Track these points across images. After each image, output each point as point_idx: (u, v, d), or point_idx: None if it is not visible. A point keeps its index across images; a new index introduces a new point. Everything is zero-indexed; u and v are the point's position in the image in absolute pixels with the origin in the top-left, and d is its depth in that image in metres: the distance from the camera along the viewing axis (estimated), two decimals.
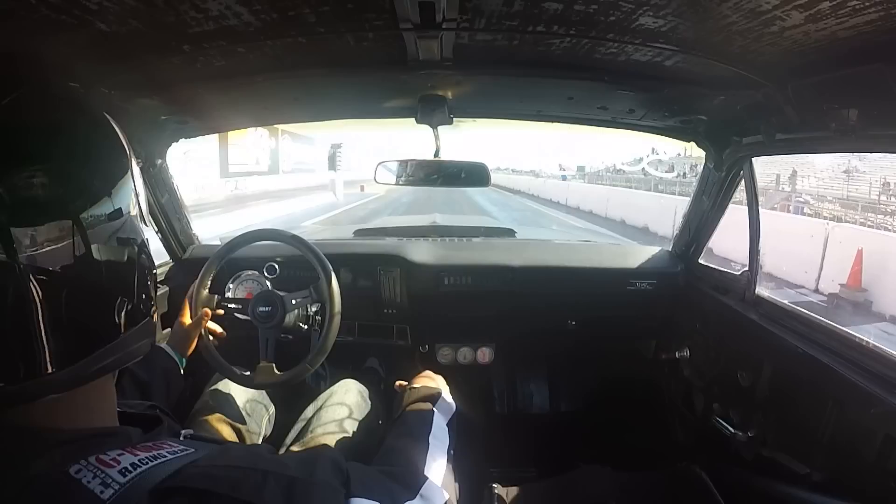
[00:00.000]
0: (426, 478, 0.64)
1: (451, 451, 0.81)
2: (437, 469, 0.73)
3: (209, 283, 1.15)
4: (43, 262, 0.38)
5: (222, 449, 0.49)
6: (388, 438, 0.79)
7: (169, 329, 1.18)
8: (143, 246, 0.47)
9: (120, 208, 0.44)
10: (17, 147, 0.39)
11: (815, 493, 0.94)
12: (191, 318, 1.07)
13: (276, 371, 1.10)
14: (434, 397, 0.90)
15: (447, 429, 0.84)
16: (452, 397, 1.01)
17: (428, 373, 1.02)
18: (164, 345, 1.01)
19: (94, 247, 0.41)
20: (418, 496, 0.59)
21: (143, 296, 0.47)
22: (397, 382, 0.98)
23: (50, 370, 0.38)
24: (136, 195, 0.47)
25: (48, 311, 0.38)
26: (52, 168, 0.40)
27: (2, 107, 0.39)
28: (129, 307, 0.45)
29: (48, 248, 0.38)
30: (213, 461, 0.44)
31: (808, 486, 0.96)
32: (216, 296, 1.15)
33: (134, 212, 0.46)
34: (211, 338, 1.10)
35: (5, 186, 0.37)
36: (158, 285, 1.46)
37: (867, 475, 0.84)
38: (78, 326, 0.41)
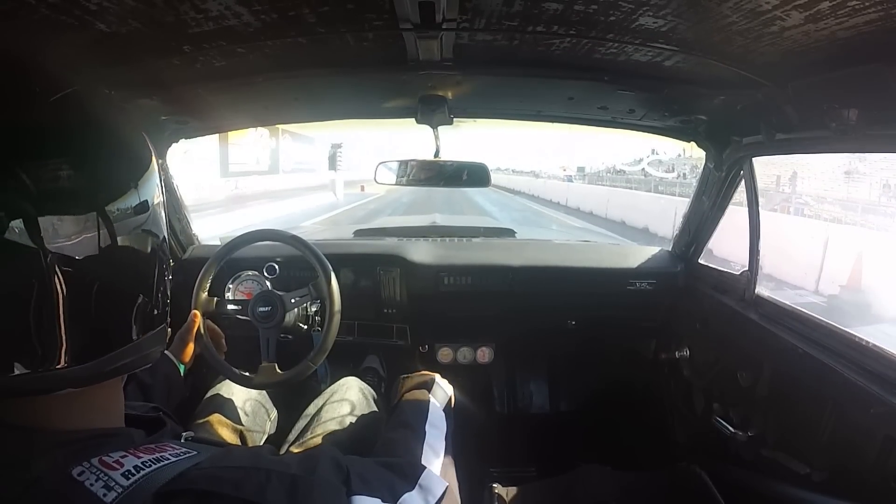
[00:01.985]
0: (424, 467, 0.64)
1: (449, 439, 0.81)
2: (436, 458, 0.74)
3: (208, 285, 1.14)
4: (69, 254, 0.38)
5: (224, 451, 0.49)
6: (386, 430, 0.79)
7: (169, 330, 1.17)
8: (164, 243, 0.48)
9: (146, 201, 0.45)
10: (43, 142, 0.39)
11: (815, 493, 0.94)
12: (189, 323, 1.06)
13: (277, 370, 1.10)
14: (428, 384, 0.91)
15: (444, 414, 0.84)
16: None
17: (423, 371, 1.02)
18: (166, 350, 1.00)
19: (119, 241, 0.42)
20: (417, 486, 0.59)
21: (161, 298, 0.47)
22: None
23: (65, 363, 0.38)
24: (162, 191, 0.47)
25: (71, 304, 0.38)
26: (79, 162, 0.40)
27: (30, 102, 0.39)
28: (148, 309, 0.45)
29: (74, 241, 0.39)
30: (215, 463, 0.44)
31: (808, 486, 0.95)
32: (215, 298, 1.14)
33: (158, 208, 0.47)
34: (211, 340, 1.10)
35: (33, 179, 0.37)
36: None
37: (867, 475, 0.83)
38: (99, 323, 0.41)
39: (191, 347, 1.04)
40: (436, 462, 0.73)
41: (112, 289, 0.42)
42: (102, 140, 0.44)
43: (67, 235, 0.38)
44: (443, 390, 0.92)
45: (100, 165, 0.42)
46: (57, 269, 0.37)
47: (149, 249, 0.45)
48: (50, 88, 0.41)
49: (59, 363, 0.38)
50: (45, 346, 0.38)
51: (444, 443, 0.78)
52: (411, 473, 0.61)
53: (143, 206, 0.44)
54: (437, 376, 0.96)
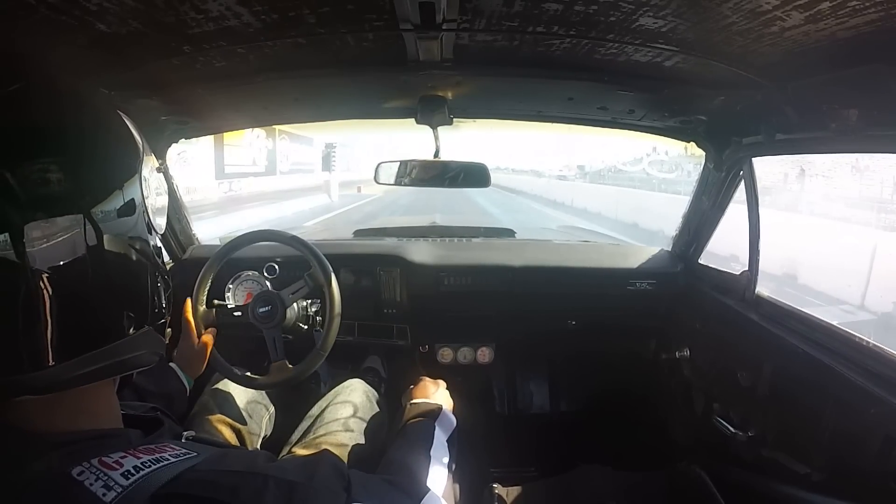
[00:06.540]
0: (428, 489, 0.64)
1: (452, 466, 0.82)
2: (439, 481, 0.74)
3: (205, 297, 1.13)
4: (50, 256, 0.38)
5: (222, 453, 0.49)
6: (390, 450, 0.79)
7: (169, 330, 1.17)
8: (154, 251, 0.48)
9: (132, 206, 0.44)
10: (29, 142, 0.39)
11: (815, 493, 0.94)
12: (196, 337, 1.05)
13: (289, 366, 1.10)
14: (435, 413, 0.90)
15: (447, 445, 0.84)
16: (453, 397, 1.01)
17: (427, 380, 1.02)
18: (173, 365, 0.99)
19: (104, 243, 0.41)
20: None
21: (148, 301, 0.47)
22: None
23: (44, 364, 0.38)
24: (145, 197, 0.47)
25: (51, 305, 0.38)
26: (64, 163, 0.40)
27: (13, 102, 0.39)
28: (133, 310, 0.45)
29: (55, 243, 0.39)
30: (212, 466, 0.44)
31: (808, 486, 0.95)
32: (215, 309, 1.13)
33: (145, 210, 0.46)
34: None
35: (17, 180, 0.37)
36: None
37: (867, 475, 0.83)
38: (79, 322, 0.41)
39: (204, 366, 1.04)
40: (438, 485, 0.73)
41: (96, 289, 0.42)
42: (94, 142, 0.43)
43: (51, 237, 0.38)
44: (449, 420, 0.91)
45: (87, 168, 0.42)
46: (38, 269, 0.37)
47: (135, 250, 0.45)
48: (42, 89, 0.41)
49: (40, 364, 0.38)
50: (25, 347, 0.38)
51: (446, 470, 0.78)
52: (415, 493, 0.61)
53: (130, 208, 0.44)
54: (445, 405, 0.95)
